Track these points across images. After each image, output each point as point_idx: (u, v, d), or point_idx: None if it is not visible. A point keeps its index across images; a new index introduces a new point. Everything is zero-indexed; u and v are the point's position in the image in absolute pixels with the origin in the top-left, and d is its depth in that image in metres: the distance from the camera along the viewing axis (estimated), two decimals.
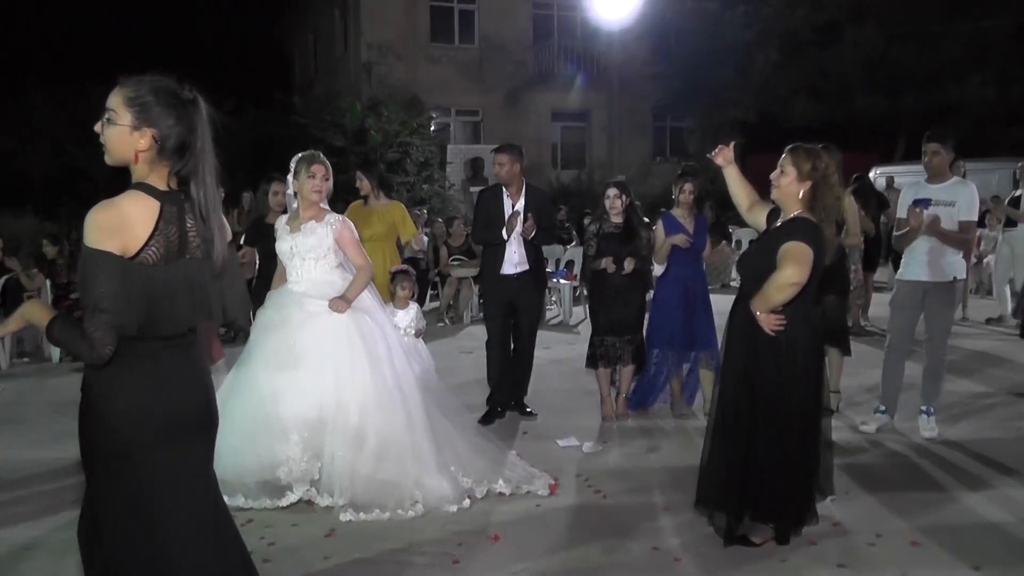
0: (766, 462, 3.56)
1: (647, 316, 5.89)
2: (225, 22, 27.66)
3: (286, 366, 4.14)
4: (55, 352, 8.10)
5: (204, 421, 2.38)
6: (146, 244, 2.16)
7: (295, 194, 4.46)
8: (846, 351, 5.89)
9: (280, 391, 4.11)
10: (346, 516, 3.99)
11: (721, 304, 6.25)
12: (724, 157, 3.90)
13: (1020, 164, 9.71)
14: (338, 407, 4.10)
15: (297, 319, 4.26)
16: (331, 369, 4.15)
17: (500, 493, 4.32)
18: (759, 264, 3.61)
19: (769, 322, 3.50)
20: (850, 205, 5.61)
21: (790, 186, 3.56)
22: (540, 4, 21.55)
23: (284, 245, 4.43)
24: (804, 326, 3.57)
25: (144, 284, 2.16)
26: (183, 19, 28.92)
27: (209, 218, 2.27)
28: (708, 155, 3.99)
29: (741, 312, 3.66)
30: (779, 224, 3.64)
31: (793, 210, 3.57)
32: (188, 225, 2.25)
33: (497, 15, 20.65)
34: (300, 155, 4.47)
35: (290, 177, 4.46)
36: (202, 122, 2.25)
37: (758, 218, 3.84)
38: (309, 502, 4.14)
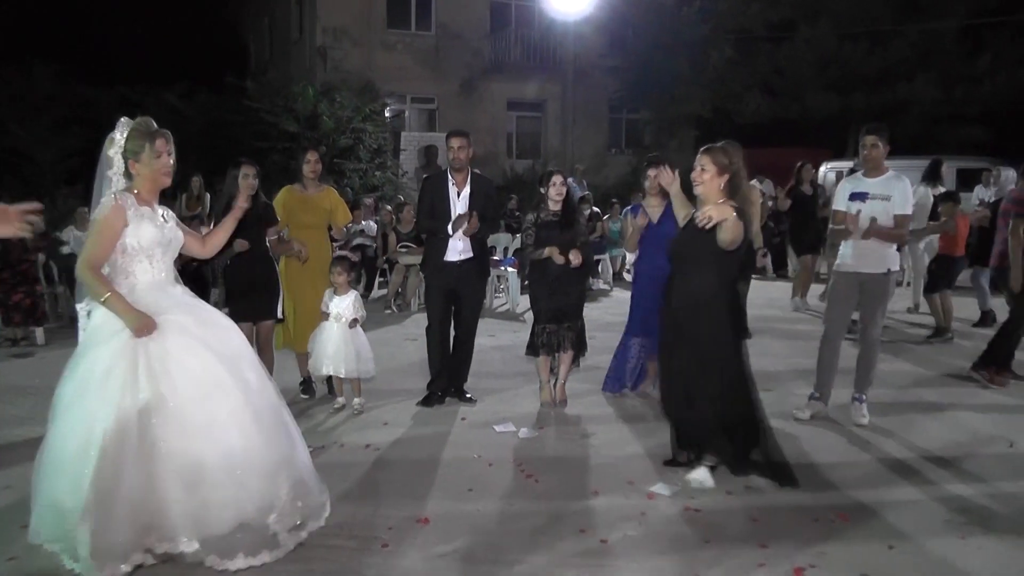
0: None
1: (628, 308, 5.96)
2: (179, 3, 27.08)
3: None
4: None
5: None
6: None
7: (124, 174, 3.57)
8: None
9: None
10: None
11: None
12: (666, 179, 4.52)
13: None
14: None
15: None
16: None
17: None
18: (697, 247, 4.14)
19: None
20: (756, 196, 5.89)
21: (712, 181, 4.16)
22: None
23: (161, 234, 3.61)
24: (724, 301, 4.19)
25: None
26: None
27: None
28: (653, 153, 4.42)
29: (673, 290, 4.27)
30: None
31: (715, 201, 4.09)
32: None
33: (455, 3, 20.49)
34: (133, 127, 3.56)
35: (112, 152, 3.57)
36: None
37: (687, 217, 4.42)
38: None
